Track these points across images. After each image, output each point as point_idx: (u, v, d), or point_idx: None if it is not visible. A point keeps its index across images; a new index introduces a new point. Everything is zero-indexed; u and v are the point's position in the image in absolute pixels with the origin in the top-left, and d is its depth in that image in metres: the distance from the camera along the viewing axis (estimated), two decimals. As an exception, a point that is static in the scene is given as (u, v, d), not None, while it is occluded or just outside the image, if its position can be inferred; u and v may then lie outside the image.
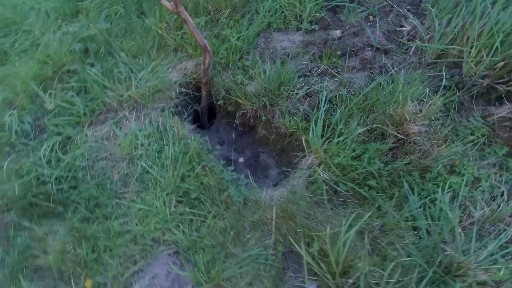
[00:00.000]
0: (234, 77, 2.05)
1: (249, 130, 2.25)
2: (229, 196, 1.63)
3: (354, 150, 1.59)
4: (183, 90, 2.15)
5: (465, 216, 1.43)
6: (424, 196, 1.48)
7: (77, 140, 1.90)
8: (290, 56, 2.06)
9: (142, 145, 1.86)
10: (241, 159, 2.26)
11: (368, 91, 1.70)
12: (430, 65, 1.94)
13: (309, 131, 1.72)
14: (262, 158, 2.24)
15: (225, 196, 1.63)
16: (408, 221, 1.41)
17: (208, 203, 1.66)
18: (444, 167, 1.51)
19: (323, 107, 1.75)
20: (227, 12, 2.21)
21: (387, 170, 1.53)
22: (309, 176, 1.67)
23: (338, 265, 1.33)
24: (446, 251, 1.28)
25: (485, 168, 1.52)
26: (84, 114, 1.97)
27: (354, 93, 1.83)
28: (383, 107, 1.60)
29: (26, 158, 1.82)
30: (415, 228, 1.40)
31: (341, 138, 1.57)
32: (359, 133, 1.62)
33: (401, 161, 1.55)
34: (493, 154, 1.55)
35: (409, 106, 1.48)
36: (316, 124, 1.72)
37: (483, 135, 1.59)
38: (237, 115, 2.12)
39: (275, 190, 1.71)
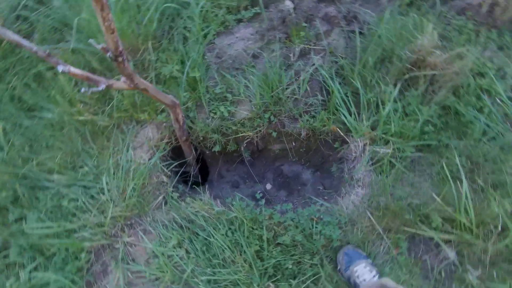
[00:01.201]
0: (215, 113, 1.63)
1: (258, 154, 1.92)
2: (325, 237, 1.37)
3: (396, 110, 1.48)
4: (168, 162, 1.64)
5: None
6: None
7: (93, 318, 1.30)
8: (254, 55, 1.73)
9: (182, 259, 1.38)
10: (268, 186, 1.95)
11: (367, 46, 1.56)
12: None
13: (343, 119, 1.52)
14: (286, 169, 1.98)
15: (321, 240, 1.37)
16: (485, 143, 1.43)
17: (307, 258, 1.38)
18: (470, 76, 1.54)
19: (335, 86, 1.55)
20: (149, 46, 1.67)
21: (433, 109, 1.48)
22: (371, 159, 1.52)
23: (472, 221, 1.27)
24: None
25: (494, 56, 1.61)
26: (72, 281, 1.33)
27: (344, 56, 1.67)
28: (396, 54, 1.49)
29: None
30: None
31: (386, 108, 1.43)
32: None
33: (436, 94, 1.51)
34: (489, 40, 1.65)
35: (423, 38, 1.40)
36: (341, 106, 1.53)
37: (470, 29, 1.66)
38: (242, 148, 1.76)
39: (349, 194, 1.52)
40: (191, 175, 1.70)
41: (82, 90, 0.89)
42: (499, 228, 1.24)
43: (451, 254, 1.37)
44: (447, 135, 1.51)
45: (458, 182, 1.36)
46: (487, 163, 1.39)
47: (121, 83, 1.00)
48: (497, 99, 1.51)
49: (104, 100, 1.68)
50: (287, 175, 1.97)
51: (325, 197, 1.70)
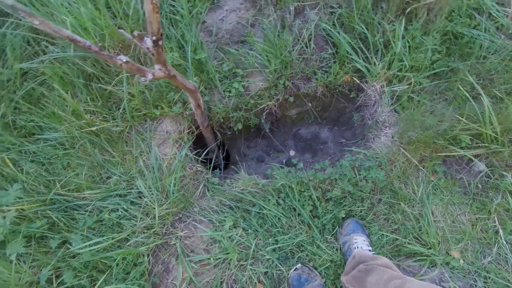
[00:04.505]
0: (230, 91, 1.60)
1: (276, 124, 1.92)
2: (371, 181, 1.43)
3: (406, 46, 1.52)
4: (196, 151, 1.60)
5: None
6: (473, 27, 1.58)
7: None
8: (251, 24, 1.68)
9: (241, 237, 1.39)
10: (292, 152, 1.98)
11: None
12: None
13: (355, 68, 1.55)
14: (304, 132, 2.00)
15: (369, 184, 1.42)
16: (488, 58, 1.51)
17: (358, 205, 1.43)
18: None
19: (340, 35, 1.56)
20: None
21: (436, 38, 1.54)
22: (391, 99, 1.57)
23: (497, 131, 1.37)
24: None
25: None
26: (139, 287, 1.31)
27: (339, 5, 1.66)
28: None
29: None
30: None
31: (397, 45, 1.46)
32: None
33: (434, 22, 1.57)
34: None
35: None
36: (351, 54, 1.55)
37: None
38: (262, 120, 1.75)
39: (378, 137, 1.57)
40: (221, 158, 1.68)
41: (142, 79, 0.83)
42: (523, 130, 1.35)
43: (482, 166, 1.48)
44: (452, 59, 1.58)
45: (476, 100, 1.45)
46: (497, 75, 1.48)
47: (158, 71, 0.94)
48: (490, 13, 1.59)
49: (109, 106, 1.59)
50: (306, 138, 2.00)
51: (351, 149, 1.76)
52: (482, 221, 1.41)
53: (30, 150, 1.52)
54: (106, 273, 1.29)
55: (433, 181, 1.48)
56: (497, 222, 1.40)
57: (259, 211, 1.42)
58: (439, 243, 1.35)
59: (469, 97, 1.42)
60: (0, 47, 1.59)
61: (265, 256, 1.35)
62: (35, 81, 1.57)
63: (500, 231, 1.38)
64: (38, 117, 1.55)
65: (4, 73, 1.53)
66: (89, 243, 1.30)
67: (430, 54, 1.51)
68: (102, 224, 1.38)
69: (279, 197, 1.44)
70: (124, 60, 0.75)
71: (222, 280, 1.32)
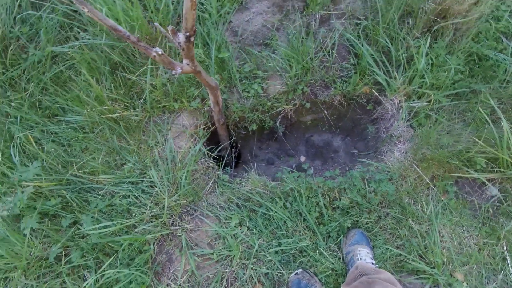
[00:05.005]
0: (249, 92, 1.62)
1: (290, 128, 1.94)
2: (381, 194, 1.43)
3: (430, 63, 1.52)
4: (209, 148, 1.63)
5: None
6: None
7: None
8: (276, 28, 1.71)
9: (246, 236, 1.41)
10: (302, 158, 1.99)
11: (388, 4, 1.57)
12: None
13: (374, 81, 1.55)
14: (316, 139, 2.01)
15: (378, 197, 1.42)
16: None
17: (364, 216, 1.43)
18: (487, 21, 1.59)
19: (364, 47, 1.57)
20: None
21: (461, 58, 1.53)
22: (408, 114, 1.57)
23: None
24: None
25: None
26: (142, 274, 1.34)
27: (365, 17, 1.67)
28: (416, 9, 1.51)
29: None
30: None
31: (420, 61, 1.46)
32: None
33: (459, 42, 1.56)
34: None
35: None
36: (372, 66, 1.55)
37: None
38: (277, 123, 1.77)
39: (391, 151, 1.57)
40: (233, 157, 1.71)
41: (174, 72, 0.86)
42: (541, 159, 1.33)
43: (495, 191, 1.46)
44: (474, 81, 1.57)
45: (495, 124, 1.43)
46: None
47: (186, 66, 0.98)
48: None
49: (131, 95, 1.64)
50: (318, 145, 2.01)
51: (363, 160, 1.76)
52: (490, 246, 1.39)
53: (52, 130, 1.58)
54: (112, 257, 1.33)
55: (443, 200, 1.47)
56: (505, 249, 1.37)
57: (266, 212, 1.43)
58: (443, 263, 1.34)
59: (489, 120, 1.41)
60: (35, 29, 1.67)
61: (267, 257, 1.37)
62: (64, 65, 1.63)
63: (508, 258, 1.36)
64: (63, 99, 1.61)
65: (36, 55, 1.60)
66: (98, 225, 1.35)
67: (453, 73, 1.50)
68: (112, 209, 1.42)
69: (286, 201, 1.45)
70: (160, 53, 0.78)
71: (223, 276, 1.34)
